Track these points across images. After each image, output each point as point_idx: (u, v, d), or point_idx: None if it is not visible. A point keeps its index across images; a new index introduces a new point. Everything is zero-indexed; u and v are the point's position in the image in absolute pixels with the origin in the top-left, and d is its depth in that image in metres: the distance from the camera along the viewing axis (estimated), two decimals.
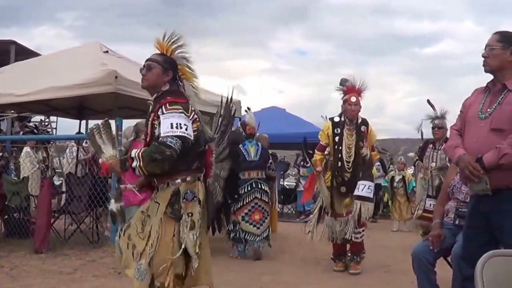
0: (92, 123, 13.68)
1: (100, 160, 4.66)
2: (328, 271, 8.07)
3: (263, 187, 9.42)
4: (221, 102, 5.03)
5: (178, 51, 4.72)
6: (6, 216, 9.97)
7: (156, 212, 4.47)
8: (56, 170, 13.05)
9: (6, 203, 9.68)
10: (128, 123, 9.71)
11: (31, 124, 17.45)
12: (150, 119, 4.50)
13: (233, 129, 11.33)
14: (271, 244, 9.58)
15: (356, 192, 7.71)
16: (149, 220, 4.49)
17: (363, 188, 7.70)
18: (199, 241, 4.47)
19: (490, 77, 4.39)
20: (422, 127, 9.73)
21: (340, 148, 7.89)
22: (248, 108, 10.48)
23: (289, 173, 24.09)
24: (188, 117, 4.41)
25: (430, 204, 9.27)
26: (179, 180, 4.45)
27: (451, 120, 9.61)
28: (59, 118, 16.66)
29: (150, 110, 4.61)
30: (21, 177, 10.85)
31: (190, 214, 4.41)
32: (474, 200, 4.40)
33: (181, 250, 4.38)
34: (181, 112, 4.37)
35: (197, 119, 4.55)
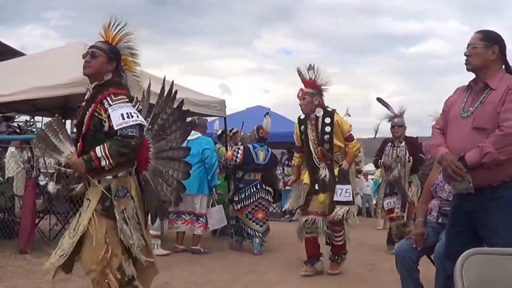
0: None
1: (62, 160, 4.51)
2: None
3: (267, 188, 9.86)
4: (161, 93, 4.93)
5: (124, 40, 4.70)
6: None
7: (86, 210, 4.46)
8: (41, 170, 12.99)
9: None
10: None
11: (14, 124, 17.34)
12: (91, 109, 4.44)
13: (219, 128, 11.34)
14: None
15: (334, 198, 7.48)
16: (81, 218, 4.49)
17: (341, 192, 7.44)
18: (140, 236, 4.50)
19: (471, 76, 4.44)
20: (379, 126, 9.95)
21: (308, 145, 7.71)
22: (267, 113, 10.55)
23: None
24: (134, 107, 4.42)
25: (387, 203, 9.48)
26: (110, 177, 4.44)
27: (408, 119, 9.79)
28: (44, 118, 16.60)
29: (86, 97, 4.58)
30: (6, 177, 10.81)
31: (124, 211, 4.42)
32: (457, 199, 4.43)
33: (120, 247, 4.43)
34: (127, 102, 4.39)
35: (141, 110, 4.58)
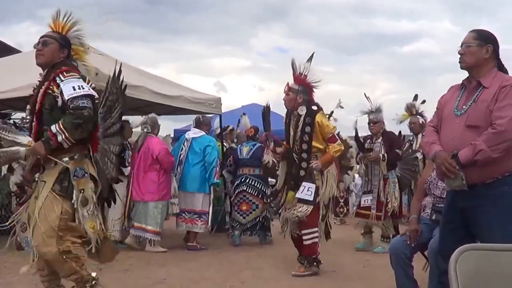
0: None
1: (24, 150, 4.62)
2: None
3: (252, 182, 10.01)
4: (109, 77, 4.99)
5: (73, 30, 4.85)
6: None
7: (42, 190, 4.55)
8: None
9: None
10: None
11: (10, 121, 17.32)
12: (45, 87, 4.57)
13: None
14: (270, 235, 10.24)
15: (297, 194, 7.31)
16: (37, 201, 4.58)
17: (303, 190, 7.26)
18: (96, 216, 4.65)
19: (466, 74, 4.49)
20: (357, 124, 9.74)
21: (288, 140, 7.58)
22: (243, 113, 10.67)
23: None
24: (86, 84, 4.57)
25: (365, 200, 9.44)
26: (66, 159, 4.54)
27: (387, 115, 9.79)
28: None
29: (39, 80, 4.75)
30: (2, 174, 10.82)
31: (82, 191, 4.51)
32: (451, 196, 4.49)
33: (74, 228, 4.56)
34: (79, 78, 4.54)
35: (94, 87, 4.74)
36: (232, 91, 57.13)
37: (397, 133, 10.02)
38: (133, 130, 10.25)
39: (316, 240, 7.45)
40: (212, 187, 9.82)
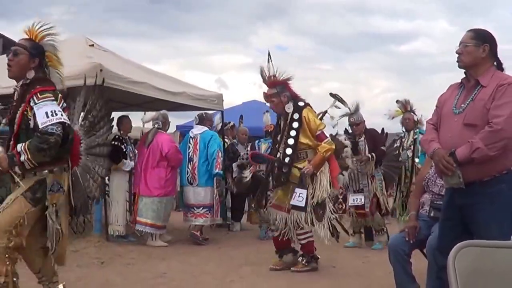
0: None
1: None
2: None
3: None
4: (94, 88, 5.07)
5: (47, 38, 4.80)
6: None
7: (15, 192, 4.61)
8: None
9: None
10: (116, 115, 9.82)
11: None
12: (21, 109, 4.55)
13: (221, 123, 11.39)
14: None
15: (290, 201, 7.24)
16: (7, 198, 4.71)
17: (295, 196, 7.17)
18: (62, 228, 4.64)
19: (462, 74, 4.54)
20: (338, 125, 9.54)
21: (278, 139, 7.54)
22: (267, 111, 10.65)
23: None
24: (58, 105, 4.53)
25: (354, 199, 9.38)
26: (46, 171, 4.57)
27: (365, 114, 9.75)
28: None
29: (16, 97, 4.70)
30: None
31: (54, 205, 4.55)
32: (450, 193, 4.54)
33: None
34: (52, 100, 4.49)
35: (66, 107, 4.70)
36: (232, 88, 57.17)
37: (379, 130, 10.08)
38: (145, 125, 10.35)
39: (311, 239, 7.47)
40: (215, 179, 9.88)
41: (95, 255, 7.99)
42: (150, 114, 10.03)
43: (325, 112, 8.27)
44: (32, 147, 4.39)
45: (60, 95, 4.64)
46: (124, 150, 9.40)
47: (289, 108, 7.36)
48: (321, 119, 7.99)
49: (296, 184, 7.23)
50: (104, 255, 8.07)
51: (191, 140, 10.06)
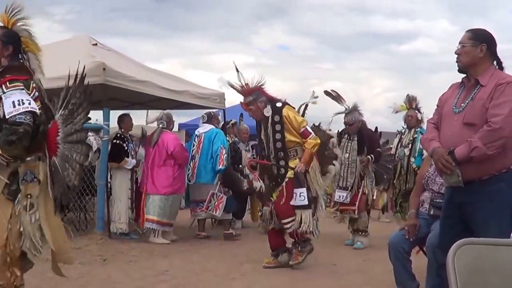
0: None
1: None
2: (309, 260, 8.10)
3: None
4: (74, 79, 4.74)
5: (20, 23, 4.58)
6: None
7: None
8: None
9: None
10: (116, 114, 9.87)
11: None
12: None
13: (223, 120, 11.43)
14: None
15: (291, 202, 7.30)
16: None
17: (295, 197, 7.26)
18: (43, 222, 4.41)
19: (456, 74, 4.58)
20: (331, 124, 9.59)
21: (263, 145, 7.63)
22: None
23: None
24: (29, 94, 4.31)
25: (340, 196, 9.37)
26: (18, 161, 4.37)
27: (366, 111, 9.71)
28: None
29: None
30: None
31: (29, 196, 4.34)
32: (450, 191, 4.58)
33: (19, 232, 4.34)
34: (22, 89, 4.28)
35: (39, 95, 4.46)
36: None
37: (373, 129, 10.07)
38: (148, 125, 10.40)
39: (295, 226, 7.39)
40: (218, 175, 9.90)
41: (98, 252, 8.02)
42: (154, 114, 10.07)
43: (306, 105, 8.25)
44: (2, 142, 4.21)
45: (33, 84, 4.42)
46: (126, 148, 9.44)
47: (268, 111, 7.42)
48: (303, 114, 8.04)
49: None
50: (106, 252, 8.10)
51: (196, 138, 10.17)
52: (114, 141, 9.41)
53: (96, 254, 7.91)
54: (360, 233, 9.47)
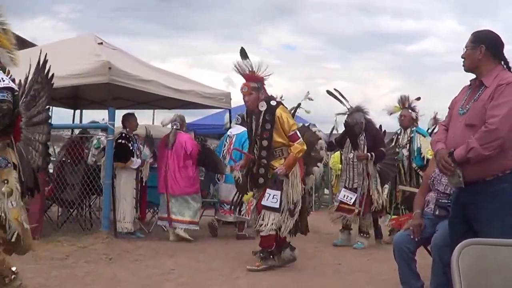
0: (86, 112, 13.81)
1: None
2: (312, 258, 8.18)
3: None
4: (36, 66, 4.77)
5: None
6: None
7: None
8: (51, 159, 13.11)
9: None
10: (121, 113, 9.89)
11: None
12: None
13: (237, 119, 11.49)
14: None
15: (262, 202, 7.20)
16: None
17: (268, 197, 7.13)
18: (22, 206, 4.44)
19: (464, 74, 4.62)
20: (337, 123, 9.77)
21: (251, 139, 7.49)
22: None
23: None
24: (6, 75, 4.33)
25: (344, 196, 9.26)
26: None
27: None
28: (54, 107, 16.73)
29: None
30: None
31: (6, 181, 4.31)
32: (456, 192, 4.62)
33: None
34: None
35: (14, 79, 4.47)
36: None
37: (378, 127, 9.92)
38: (163, 126, 10.45)
39: (273, 232, 7.27)
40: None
41: (103, 251, 8.02)
42: (169, 116, 10.15)
43: (298, 105, 8.22)
44: None
45: (7, 69, 4.44)
46: (131, 148, 9.46)
47: (263, 106, 7.23)
48: (293, 114, 8.02)
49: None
50: (112, 251, 8.10)
51: (227, 139, 10.29)
52: (119, 140, 9.43)
53: (102, 253, 7.91)
54: (361, 234, 9.40)
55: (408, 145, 9.73)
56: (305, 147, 7.31)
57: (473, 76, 4.56)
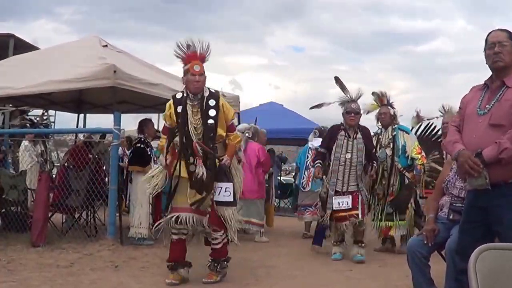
0: (90, 117, 13.77)
1: None
2: (324, 264, 8.11)
3: None
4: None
5: None
6: (3, 210, 9.94)
7: None
8: (55, 164, 13.10)
9: (3, 196, 9.68)
10: (127, 117, 9.81)
11: (28, 117, 17.43)
12: None
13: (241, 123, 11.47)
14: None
15: (214, 198, 6.62)
16: None
17: (220, 191, 6.57)
18: None
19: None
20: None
21: (186, 129, 6.50)
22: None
23: (286, 168, 24.18)
24: None
25: (339, 203, 8.46)
26: None
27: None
28: (57, 112, 16.72)
29: None
30: (20, 170, 10.87)
31: None
32: (472, 195, 4.48)
33: None
34: None
35: None
36: (247, 89, 57.53)
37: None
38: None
39: (226, 240, 6.89)
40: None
41: (109, 258, 7.94)
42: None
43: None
44: None
45: None
46: (149, 153, 9.39)
47: (206, 91, 6.65)
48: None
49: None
50: (118, 258, 8.01)
51: (309, 150, 11.15)
52: (138, 145, 9.43)
53: (108, 260, 7.83)
54: (359, 244, 8.58)
55: (391, 144, 9.14)
56: (240, 137, 7.23)
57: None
